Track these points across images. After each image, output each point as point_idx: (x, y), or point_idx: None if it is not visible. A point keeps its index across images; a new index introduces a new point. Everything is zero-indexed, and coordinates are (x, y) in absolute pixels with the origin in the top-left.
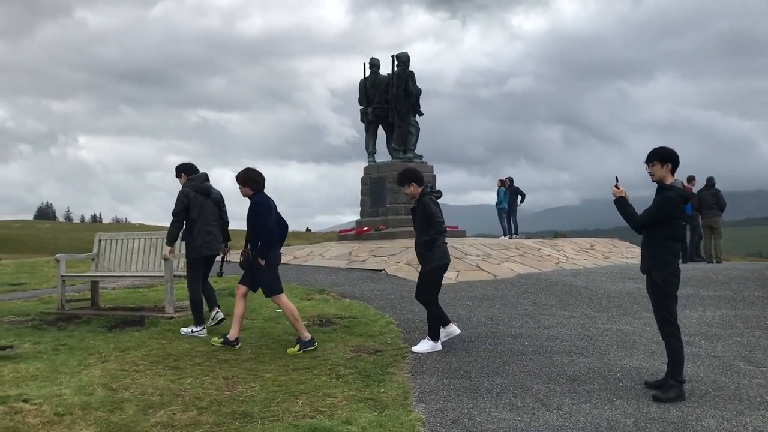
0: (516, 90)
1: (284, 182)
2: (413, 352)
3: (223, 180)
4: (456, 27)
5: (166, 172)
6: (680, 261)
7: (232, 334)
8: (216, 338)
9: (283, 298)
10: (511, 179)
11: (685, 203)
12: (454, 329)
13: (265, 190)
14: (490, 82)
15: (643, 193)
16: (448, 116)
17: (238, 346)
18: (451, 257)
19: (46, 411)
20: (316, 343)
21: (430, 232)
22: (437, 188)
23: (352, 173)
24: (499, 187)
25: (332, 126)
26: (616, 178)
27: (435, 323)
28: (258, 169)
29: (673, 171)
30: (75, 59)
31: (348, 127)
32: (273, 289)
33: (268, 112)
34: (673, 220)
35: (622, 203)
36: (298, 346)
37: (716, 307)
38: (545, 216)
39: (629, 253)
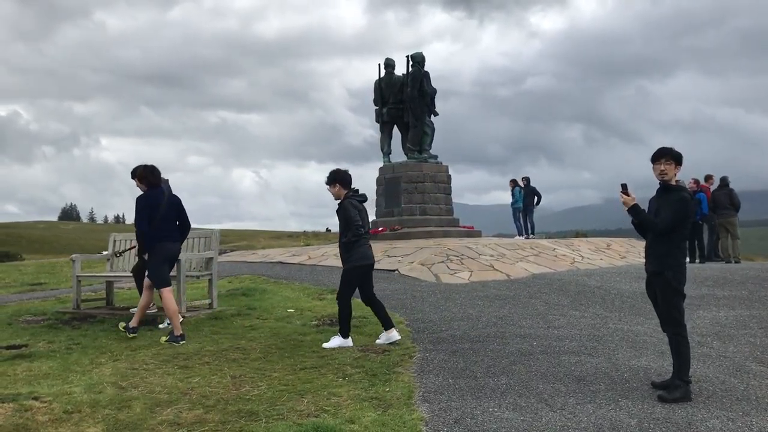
0: (534, 89)
1: (304, 183)
2: (325, 348)
3: (244, 181)
4: (473, 26)
5: (186, 173)
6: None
7: (133, 322)
8: (163, 337)
9: (167, 293)
10: (527, 179)
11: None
12: (394, 335)
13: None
14: (508, 81)
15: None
16: (466, 116)
17: (134, 335)
18: (464, 257)
19: (55, 409)
20: (182, 342)
21: (348, 234)
22: (362, 193)
23: (371, 173)
24: (513, 187)
25: (350, 126)
26: (623, 185)
27: (345, 321)
28: (155, 166)
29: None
30: (95, 61)
31: (366, 127)
32: (158, 282)
33: (286, 112)
34: (688, 221)
35: (636, 210)
36: (168, 337)
37: (730, 308)
38: (567, 215)
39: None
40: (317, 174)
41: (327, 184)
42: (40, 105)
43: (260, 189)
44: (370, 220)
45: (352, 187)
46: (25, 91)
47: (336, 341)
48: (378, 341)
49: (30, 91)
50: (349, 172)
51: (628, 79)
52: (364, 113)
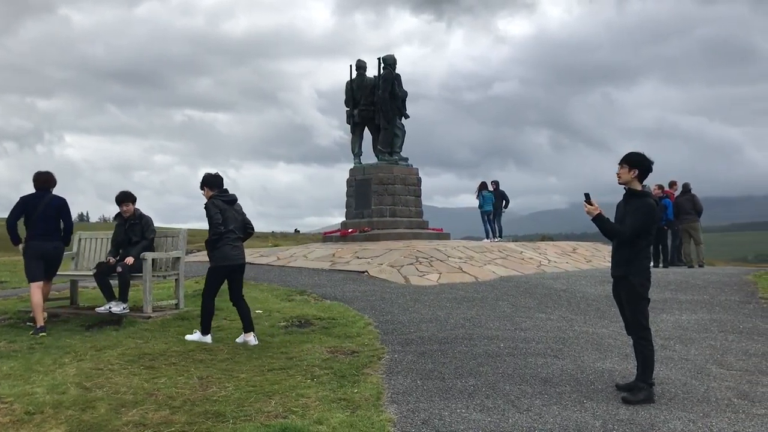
0: (502, 94)
1: (273, 183)
2: (188, 340)
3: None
4: (441, 30)
5: (152, 171)
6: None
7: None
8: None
9: (33, 287)
10: (496, 182)
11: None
12: (251, 339)
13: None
14: (476, 85)
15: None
16: (435, 119)
17: (44, 334)
18: (433, 259)
19: (16, 410)
20: (42, 334)
21: (210, 233)
22: (232, 193)
23: (341, 174)
24: (480, 190)
25: (320, 127)
26: (586, 195)
27: (206, 318)
28: (47, 171)
29: (641, 178)
30: (60, 57)
31: (335, 128)
32: (27, 276)
33: (254, 112)
34: (653, 226)
35: (601, 220)
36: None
37: (692, 311)
38: (533, 219)
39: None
40: (286, 175)
41: (200, 188)
42: (2, 100)
43: (228, 189)
44: (342, 220)
45: (224, 188)
46: None
47: (195, 336)
48: (237, 340)
49: None
50: (219, 175)
51: (594, 86)
52: (334, 114)
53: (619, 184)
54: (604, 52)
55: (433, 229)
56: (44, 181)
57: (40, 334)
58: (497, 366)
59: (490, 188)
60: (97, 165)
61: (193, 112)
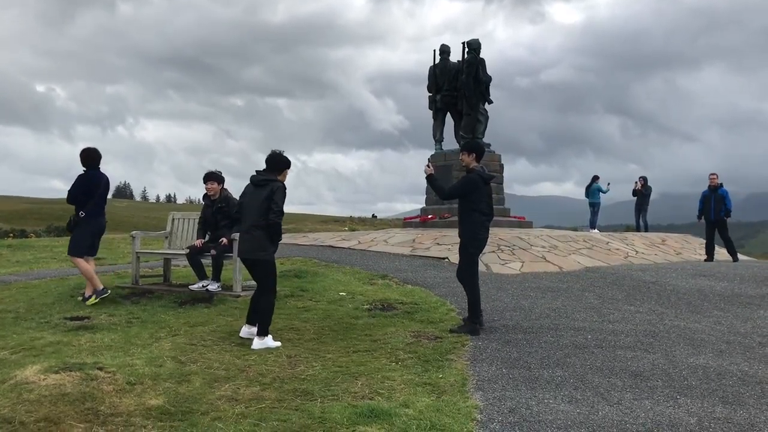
0: (555, 81)
1: (342, 168)
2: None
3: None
4: (481, 14)
5: (223, 154)
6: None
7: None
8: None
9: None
10: (644, 178)
11: (485, 183)
12: (254, 337)
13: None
14: (526, 72)
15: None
16: (493, 105)
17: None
18: (515, 248)
19: (119, 379)
20: (108, 292)
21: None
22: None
23: (408, 161)
24: (592, 182)
25: (375, 113)
26: (429, 159)
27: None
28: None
29: (478, 159)
30: (116, 45)
31: (393, 112)
32: (82, 252)
33: (311, 98)
34: (473, 195)
35: (430, 179)
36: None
37: None
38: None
39: (703, 250)
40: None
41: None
42: (73, 86)
43: (298, 173)
44: (421, 207)
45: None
46: (55, 73)
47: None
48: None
49: (60, 72)
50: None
51: (653, 72)
52: (388, 99)
53: (462, 167)
54: (656, 39)
55: (514, 217)
56: (98, 158)
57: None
58: (585, 358)
59: (638, 186)
60: (172, 148)
61: (253, 97)
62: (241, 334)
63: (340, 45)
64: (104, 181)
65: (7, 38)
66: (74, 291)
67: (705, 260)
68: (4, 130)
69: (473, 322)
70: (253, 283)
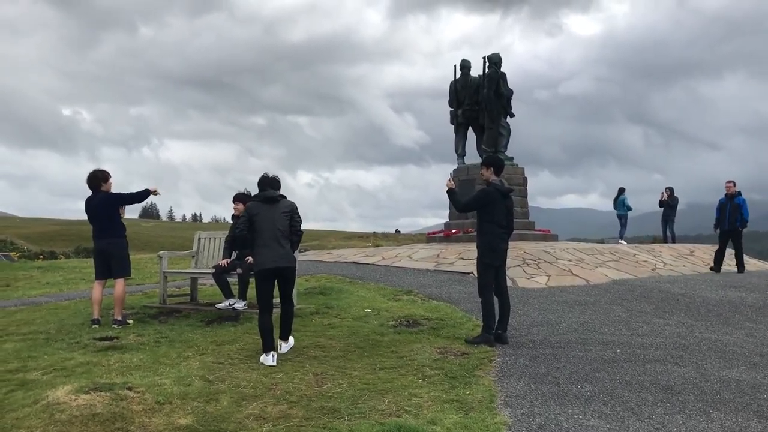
0: (575, 92)
1: (364, 184)
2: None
3: (302, 182)
4: (499, 28)
5: (247, 173)
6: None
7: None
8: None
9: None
10: (671, 189)
11: (504, 197)
12: (282, 346)
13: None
14: (546, 84)
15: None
16: (514, 119)
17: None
18: (541, 261)
19: (148, 399)
20: (129, 323)
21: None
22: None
23: (430, 176)
24: (619, 194)
25: (395, 129)
26: (450, 173)
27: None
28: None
29: (497, 173)
30: (137, 67)
31: (413, 128)
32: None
33: (330, 115)
34: (489, 207)
35: (450, 193)
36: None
37: None
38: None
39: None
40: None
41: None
42: (98, 108)
43: (320, 190)
44: (445, 221)
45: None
46: (79, 96)
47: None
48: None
49: (84, 95)
50: (266, 176)
51: (673, 81)
52: (408, 115)
53: (483, 180)
54: (676, 49)
55: (539, 230)
56: (93, 180)
57: (93, 326)
58: (614, 372)
59: (664, 196)
60: (195, 167)
61: (274, 115)
62: (273, 364)
63: (358, 62)
64: (92, 203)
65: (33, 63)
66: (102, 311)
67: (711, 269)
68: (33, 154)
69: (485, 332)
70: (279, 300)
